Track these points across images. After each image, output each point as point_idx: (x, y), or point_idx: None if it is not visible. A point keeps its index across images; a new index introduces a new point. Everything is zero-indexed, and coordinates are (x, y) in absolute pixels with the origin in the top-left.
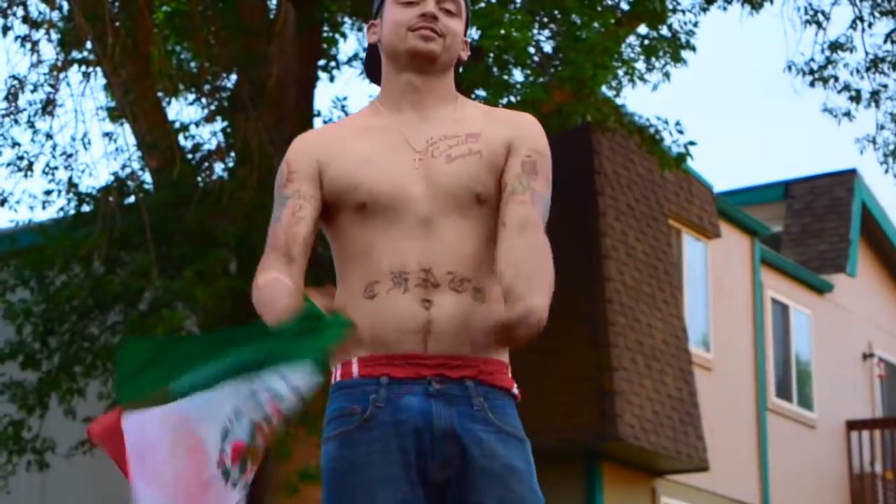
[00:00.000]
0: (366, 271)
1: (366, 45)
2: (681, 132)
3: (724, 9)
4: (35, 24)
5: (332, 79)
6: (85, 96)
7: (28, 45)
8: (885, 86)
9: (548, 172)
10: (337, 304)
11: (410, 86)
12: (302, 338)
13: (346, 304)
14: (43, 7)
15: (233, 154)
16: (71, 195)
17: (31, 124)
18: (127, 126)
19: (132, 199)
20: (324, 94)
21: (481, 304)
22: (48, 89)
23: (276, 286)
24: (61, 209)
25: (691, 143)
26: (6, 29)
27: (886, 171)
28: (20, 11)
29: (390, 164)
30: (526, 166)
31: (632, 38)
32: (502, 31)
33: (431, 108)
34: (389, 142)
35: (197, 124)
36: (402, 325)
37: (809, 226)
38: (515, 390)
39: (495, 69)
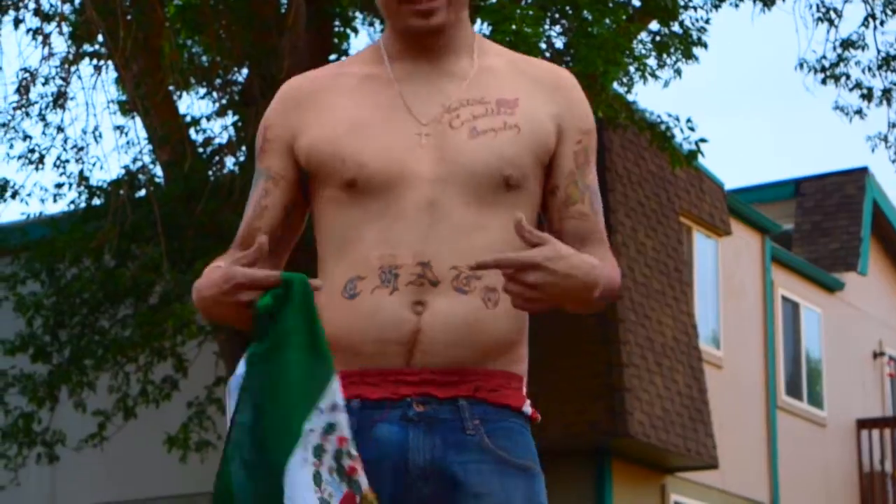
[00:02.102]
0: (350, 264)
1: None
2: (692, 129)
3: (736, 6)
4: (47, 17)
5: None
6: (96, 90)
7: (39, 38)
8: None
9: (595, 152)
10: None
11: (417, 45)
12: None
13: (324, 304)
14: (55, 0)
15: (244, 148)
16: (82, 188)
17: (42, 117)
18: (138, 120)
19: (143, 192)
20: None
21: (493, 310)
22: (59, 82)
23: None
24: (72, 202)
25: (702, 140)
26: (18, 22)
27: None
28: (32, 4)
29: (389, 132)
30: (579, 158)
31: (643, 35)
32: (514, 27)
33: (445, 58)
34: (389, 102)
35: (208, 118)
36: (384, 334)
37: (820, 224)
38: (528, 408)
39: None
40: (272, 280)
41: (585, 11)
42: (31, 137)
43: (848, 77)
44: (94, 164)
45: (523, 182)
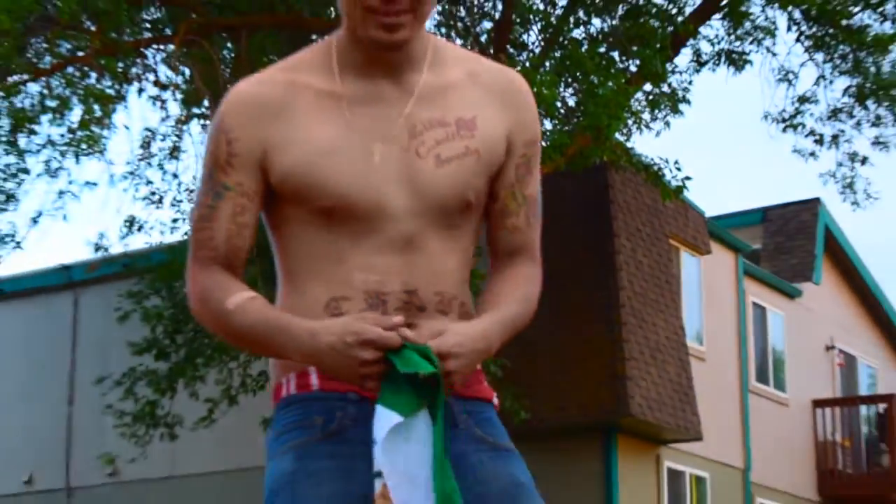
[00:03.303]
0: (330, 283)
1: None
2: (679, 169)
3: (714, 70)
4: (163, 87)
5: None
6: (203, 143)
7: (158, 104)
8: (843, 131)
9: (538, 159)
10: (285, 309)
11: (375, 59)
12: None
13: (302, 315)
14: (169, 73)
15: None
16: None
17: (160, 166)
18: None
19: None
20: None
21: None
22: (174, 138)
23: (271, 312)
24: (185, 233)
25: (687, 178)
26: (140, 91)
27: (844, 200)
28: (151, 76)
29: (362, 161)
30: (520, 170)
31: (639, 94)
32: (534, 89)
33: (403, 74)
34: (357, 125)
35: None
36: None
37: (783, 244)
38: (495, 400)
39: None
40: (397, 343)
41: (592, 76)
42: (152, 182)
43: (803, 126)
44: None
45: (479, 201)
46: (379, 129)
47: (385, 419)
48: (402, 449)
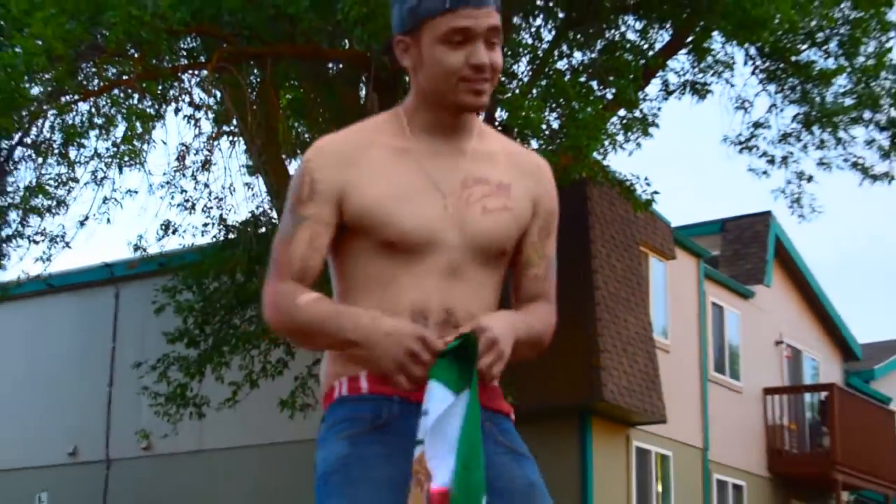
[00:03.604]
0: (382, 302)
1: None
2: (648, 184)
3: (680, 98)
4: (197, 107)
5: None
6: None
7: (192, 122)
8: (791, 153)
9: (555, 227)
10: None
11: (445, 122)
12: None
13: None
14: (203, 95)
15: None
16: (221, 227)
17: (194, 177)
18: (261, 179)
19: (264, 229)
20: None
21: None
22: (206, 153)
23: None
24: (214, 236)
25: (656, 192)
26: (177, 111)
27: (792, 213)
28: (187, 98)
29: (423, 205)
30: (542, 233)
31: (614, 119)
32: (523, 114)
33: (460, 138)
34: (420, 175)
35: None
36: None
37: (738, 251)
38: (513, 416)
39: (518, 139)
40: (442, 347)
41: (574, 102)
42: (185, 191)
43: (757, 148)
44: (230, 210)
45: (510, 251)
46: (441, 179)
47: (436, 394)
48: (445, 421)
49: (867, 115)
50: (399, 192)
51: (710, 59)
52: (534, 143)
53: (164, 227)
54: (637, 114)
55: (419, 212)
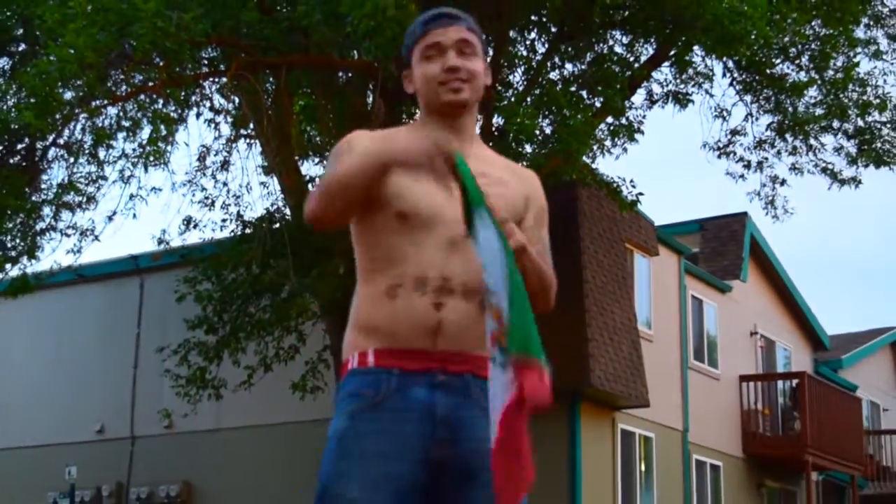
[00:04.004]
0: (391, 275)
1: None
2: (633, 186)
3: (663, 107)
4: (217, 112)
5: None
6: (248, 158)
7: (212, 125)
8: (766, 158)
9: (547, 218)
10: (359, 299)
11: (445, 126)
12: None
13: (369, 301)
14: (222, 101)
15: None
16: (238, 222)
17: (213, 176)
18: (275, 178)
19: (278, 225)
20: None
21: (482, 314)
22: (225, 154)
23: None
24: (232, 231)
25: (640, 193)
26: (198, 115)
27: (766, 214)
28: (207, 103)
29: (430, 188)
30: (537, 221)
31: (602, 125)
32: (518, 120)
33: (463, 140)
34: (430, 168)
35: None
36: (417, 324)
37: (716, 248)
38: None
39: (514, 144)
40: (453, 149)
41: (565, 110)
42: (206, 189)
43: (734, 153)
44: (246, 207)
45: None
46: (447, 173)
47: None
48: (482, 230)
49: (836, 124)
50: (413, 175)
51: (691, 71)
52: (528, 147)
53: (185, 223)
54: (623, 121)
55: (427, 191)
